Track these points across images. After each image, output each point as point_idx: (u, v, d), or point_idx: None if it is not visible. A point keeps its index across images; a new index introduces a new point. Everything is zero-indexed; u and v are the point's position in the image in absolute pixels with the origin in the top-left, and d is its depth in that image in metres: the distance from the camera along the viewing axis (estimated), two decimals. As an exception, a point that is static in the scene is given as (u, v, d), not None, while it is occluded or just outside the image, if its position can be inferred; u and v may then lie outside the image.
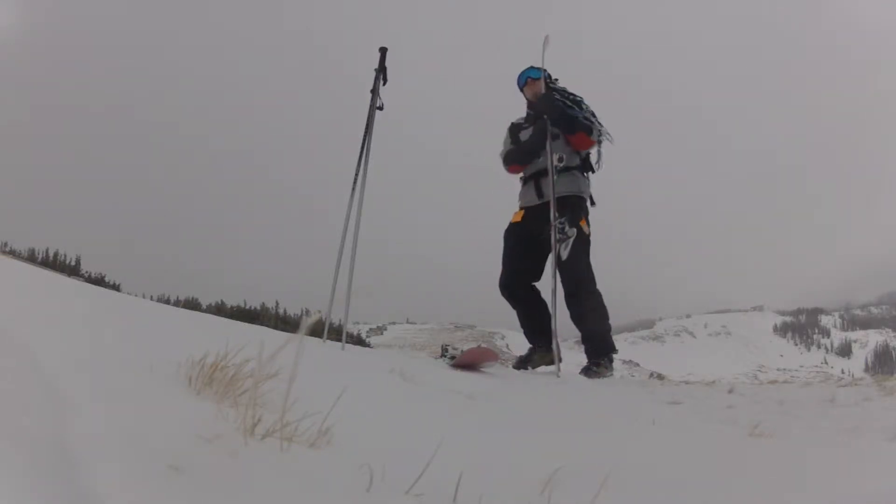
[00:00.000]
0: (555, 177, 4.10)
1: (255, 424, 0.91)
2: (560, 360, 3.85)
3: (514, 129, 4.47)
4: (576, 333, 4.15)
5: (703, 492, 1.21)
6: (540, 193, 4.25)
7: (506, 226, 4.44)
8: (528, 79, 4.38)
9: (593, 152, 4.35)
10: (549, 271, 4.15)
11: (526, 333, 4.34)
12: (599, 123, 4.24)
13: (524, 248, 4.29)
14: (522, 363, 4.15)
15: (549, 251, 4.12)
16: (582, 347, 4.17)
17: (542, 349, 4.19)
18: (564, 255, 3.99)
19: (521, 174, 4.44)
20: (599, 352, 4.07)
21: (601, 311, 4.14)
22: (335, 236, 3.95)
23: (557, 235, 3.98)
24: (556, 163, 4.10)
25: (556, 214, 4.01)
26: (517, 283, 4.34)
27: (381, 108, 4.10)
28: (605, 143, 4.32)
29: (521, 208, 4.38)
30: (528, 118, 4.43)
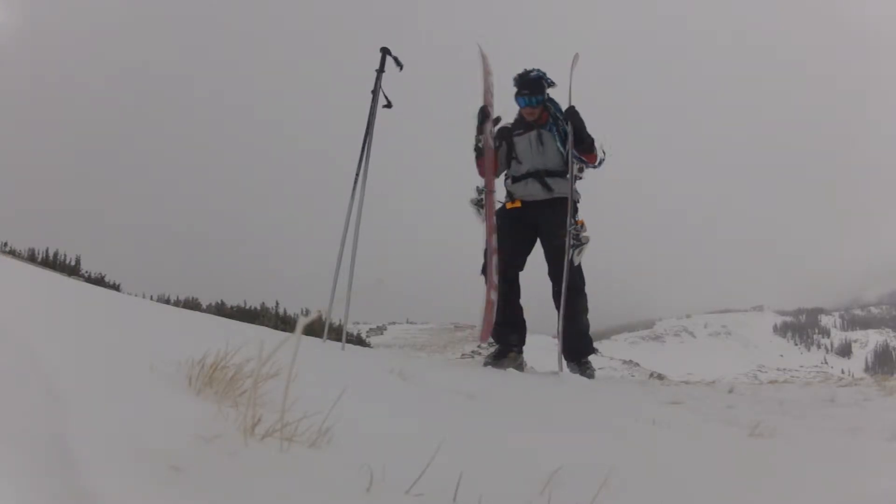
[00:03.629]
0: (574, 185, 4.18)
1: (255, 424, 0.91)
2: (562, 362, 3.88)
3: (506, 132, 4.43)
4: (549, 331, 4.15)
5: (703, 492, 1.21)
6: (548, 189, 4.25)
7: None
8: (528, 105, 4.28)
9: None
10: (541, 270, 4.20)
11: (500, 327, 4.17)
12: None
13: (521, 235, 4.27)
14: (496, 363, 4.06)
15: (534, 246, 4.24)
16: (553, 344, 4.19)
17: (515, 350, 4.16)
18: (577, 260, 4.06)
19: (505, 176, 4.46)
20: (587, 351, 4.20)
21: (587, 312, 4.23)
22: (335, 236, 3.95)
23: (572, 241, 4.02)
24: (576, 172, 4.18)
25: (573, 220, 4.06)
26: (512, 268, 4.24)
27: (389, 106, 4.10)
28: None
29: (517, 199, 4.34)
30: (521, 124, 4.39)
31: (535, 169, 4.30)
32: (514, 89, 4.33)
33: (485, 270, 4.24)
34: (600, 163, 4.37)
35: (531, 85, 4.26)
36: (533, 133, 4.32)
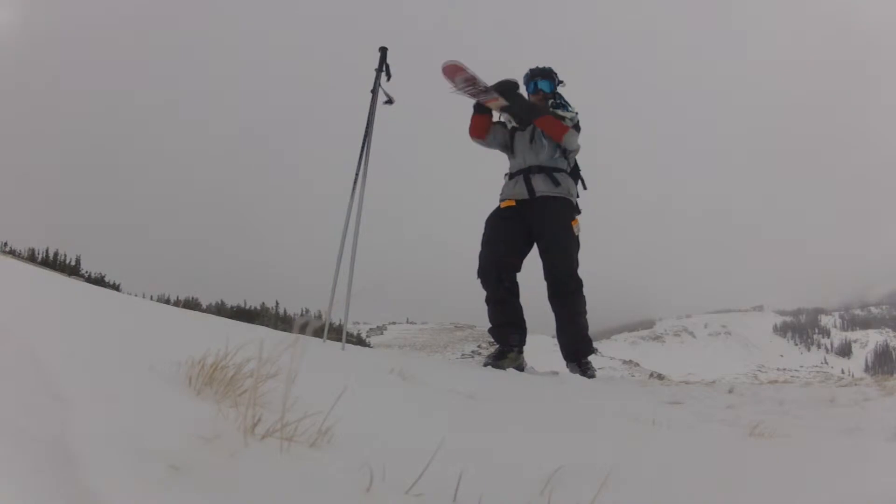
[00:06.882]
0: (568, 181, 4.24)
1: (255, 424, 0.91)
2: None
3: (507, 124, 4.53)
4: (548, 331, 4.18)
5: (703, 492, 1.21)
6: (531, 190, 4.24)
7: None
8: (538, 90, 4.42)
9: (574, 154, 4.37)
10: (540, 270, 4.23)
11: (500, 327, 4.19)
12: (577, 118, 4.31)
13: (517, 235, 4.26)
14: (496, 363, 4.04)
15: (532, 245, 4.25)
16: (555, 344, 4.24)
17: (516, 350, 4.15)
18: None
19: (510, 165, 4.48)
20: (587, 351, 4.21)
21: (585, 313, 4.24)
22: (335, 236, 3.95)
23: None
24: (562, 166, 4.23)
25: (552, 218, 4.13)
26: (509, 268, 4.24)
27: (391, 103, 4.09)
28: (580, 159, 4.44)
29: (510, 199, 4.33)
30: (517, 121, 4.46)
31: (528, 165, 4.30)
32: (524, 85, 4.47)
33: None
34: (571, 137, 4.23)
35: (540, 73, 4.48)
36: (531, 126, 4.32)
